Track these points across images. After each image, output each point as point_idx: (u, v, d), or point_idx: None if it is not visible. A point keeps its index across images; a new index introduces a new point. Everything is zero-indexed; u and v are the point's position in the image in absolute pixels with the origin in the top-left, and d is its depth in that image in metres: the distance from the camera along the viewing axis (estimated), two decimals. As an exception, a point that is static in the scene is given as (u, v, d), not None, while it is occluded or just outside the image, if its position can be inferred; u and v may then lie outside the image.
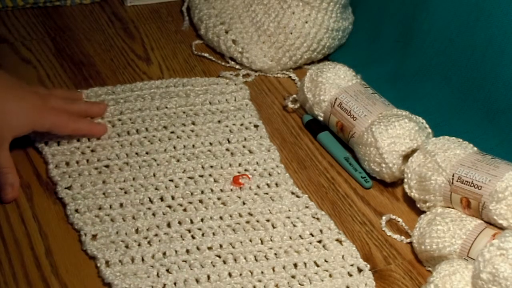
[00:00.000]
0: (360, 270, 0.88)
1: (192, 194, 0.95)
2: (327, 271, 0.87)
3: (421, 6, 1.12)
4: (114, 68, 1.15)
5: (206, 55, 1.19)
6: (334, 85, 1.05)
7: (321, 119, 1.06)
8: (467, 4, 1.06)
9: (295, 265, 0.88)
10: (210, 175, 0.97)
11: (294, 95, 1.10)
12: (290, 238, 0.91)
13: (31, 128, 0.95)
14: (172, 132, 1.03)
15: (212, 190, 0.96)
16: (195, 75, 1.15)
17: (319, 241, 0.91)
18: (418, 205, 0.95)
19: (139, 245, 0.88)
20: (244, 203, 0.94)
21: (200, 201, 0.94)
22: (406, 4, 1.16)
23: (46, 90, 1.02)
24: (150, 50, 1.19)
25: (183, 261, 0.87)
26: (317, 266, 0.88)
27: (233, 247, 0.89)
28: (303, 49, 1.15)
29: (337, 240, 0.91)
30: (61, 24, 1.23)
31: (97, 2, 1.28)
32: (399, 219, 0.96)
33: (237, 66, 1.17)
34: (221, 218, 0.92)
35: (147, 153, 1.00)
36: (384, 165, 0.97)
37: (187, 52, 1.20)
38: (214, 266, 0.87)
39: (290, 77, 1.17)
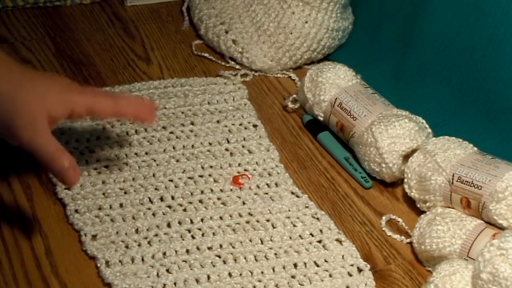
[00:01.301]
0: (360, 270, 0.88)
1: (192, 194, 0.95)
2: (327, 271, 0.87)
3: (421, 6, 1.12)
4: (114, 68, 1.15)
5: (206, 55, 1.19)
6: (334, 85, 1.05)
7: (321, 119, 1.06)
8: (467, 4, 1.06)
9: (295, 265, 0.88)
10: (209, 175, 0.97)
11: (294, 95, 1.10)
12: (290, 238, 0.91)
13: (67, 104, 0.84)
14: (171, 133, 1.03)
15: (212, 190, 0.96)
16: (195, 75, 1.15)
17: (319, 241, 0.91)
18: (418, 205, 0.95)
19: (139, 245, 0.88)
20: (244, 203, 0.94)
21: (200, 201, 0.94)
22: (406, 4, 1.15)
23: None
24: (150, 50, 1.19)
25: (183, 261, 0.87)
26: (317, 266, 0.88)
27: (233, 247, 0.89)
28: (303, 49, 1.15)
29: (337, 240, 0.91)
30: (61, 24, 1.23)
31: (97, 2, 1.28)
32: (399, 219, 0.96)
33: (237, 66, 1.17)
34: (221, 218, 0.92)
35: (146, 153, 1.00)
36: (384, 165, 0.97)
37: (187, 52, 1.20)
38: (214, 266, 0.87)
39: (290, 77, 1.17)
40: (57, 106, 0.84)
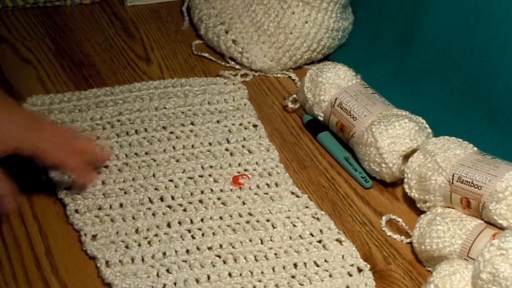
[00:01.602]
0: (360, 270, 0.88)
1: (192, 194, 0.95)
2: (327, 271, 0.87)
3: (421, 6, 1.12)
4: (114, 68, 1.15)
5: (206, 55, 1.19)
6: (334, 85, 1.05)
7: (321, 119, 1.06)
8: (467, 4, 1.06)
9: (295, 265, 0.88)
10: (209, 175, 0.97)
11: (294, 95, 1.10)
12: (290, 238, 0.91)
13: (16, 143, 0.86)
14: (171, 133, 1.03)
15: (212, 190, 0.96)
16: (195, 75, 1.15)
17: (319, 241, 0.91)
18: (418, 205, 0.95)
19: (139, 245, 0.88)
20: (244, 203, 0.94)
21: (200, 201, 0.94)
22: (406, 4, 1.16)
23: (54, 123, 0.97)
24: (150, 50, 1.19)
25: (183, 261, 0.87)
26: (317, 266, 0.88)
27: (233, 247, 0.89)
28: (303, 49, 1.15)
29: (337, 240, 0.91)
30: (61, 24, 1.23)
31: (97, 2, 1.28)
32: (399, 219, 0.96)
33: (237, 66, 1.17)
34: (221, 218, 0.92)
35: (146, 153, 1.00)
36: (384, 165, 0.97)
37: (187, 52, 1.20)
38: (214, 266, 0.87)
39: (290, 77, 1.17)
40: (4, 141, 0.86)
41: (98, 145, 0.98)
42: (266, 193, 0.96)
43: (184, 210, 0.93)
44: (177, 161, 0.99)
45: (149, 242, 0.88)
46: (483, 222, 0.89)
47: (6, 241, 0.89)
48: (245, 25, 1.17)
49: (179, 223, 0.91)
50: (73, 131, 0.97)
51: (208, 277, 0.86)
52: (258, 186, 0.97)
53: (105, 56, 1.17)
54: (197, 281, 0.85)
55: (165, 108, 1.07)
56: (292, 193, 0.97)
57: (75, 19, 1.24)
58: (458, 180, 0.90)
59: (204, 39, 1.21)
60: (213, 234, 0.90)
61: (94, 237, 0.89)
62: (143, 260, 0.86)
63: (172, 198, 0.94)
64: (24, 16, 1.23)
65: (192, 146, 1.01)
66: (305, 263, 0.88)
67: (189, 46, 1.21)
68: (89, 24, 1.24)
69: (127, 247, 0.88)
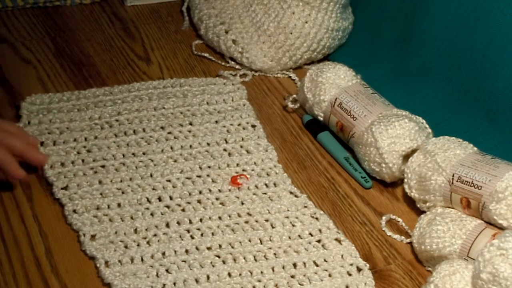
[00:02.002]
0: (359, 270, 0.88)
1: (190, 194, 0.95)
2: (326, 270, 0.87)
3: (421, 6, 1.12)
4: (114, 68, 1.15)
5: (206, 55, 1.19)
6: (334, 85, 1.05)
7: (321, 119, 1.06)
8: (467, 4, 1.06)
9: (295, 265, 0.88)
10: (208, 175, 0.97)
11: (294, 95, 1.10)
12: (289, 237, 0.91)
13: None
14: (169, 133, 1.03)
15: (210, 190, 0.95)
16: (195, 75, 1.15)
17: (318, 241, 0.91)
18: (418, 205, 0.95)
19: (138, 245, 0.88)
20: (242, 203, 0.94)
21: (199, 201, 0.94)
22: (406, 4, 1.15)
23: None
24: (150, 50, 1.19)
25: (182, 261, 0.87)
26: (317, 265, 0.88)
27: (232, 247, 0.89)
28: (303, 49, 1.15)
29: (336, 239, 0.91)
30: (61, 24, 1.23)
31: (97, 2, 1.28)
32: (399, 219, 0.95)
33: (237, 66, 1.17)
34: (220, 218, 0.92)
35: (144, 153, 0.99)
36: (384, 165, 0.97)
37: (187, 52, 1.20)
38: (213, 266, 0.87)
39: (290, 77, 1.17)
40: None
41: (35, 148, 0.96)
42: (265, 193, 0.96)
43: (183, 210, 0.93)
44: (175, 161, 0.99)
45: (148, 242, 0.88)
46: (483, 222, 0.89)
47: (6, 241, 0.89)
48: (245, 25, 1.17)
49: (178, 223, 0.91)
50: (18, 131, 0.96)
51: (208, 277, 0.86)
52: (256, 186, 0.97)
53: (105, 56, 1.17)
54: (196, 281, 0.85)
55: (163, 108, 1.07)
56: (291, 192, 0.97)
57: (75, 19, 1.24)
58: (458, 180, 0.90)
59: (204, 39, 1.21)
60: (212, 234, 0.90)
61: (93, 237, 0.89)
62: (142, 260, 0.86)
63: (170, 198, 0.94)
64: (24, 16, 1.23)
65: (190, 146, 1.01)
66: (304, 263, 0.88)
67: (189, 46, 1.21)
68: (89, 24, 1.24)
69: (126, 247, 0.88)
